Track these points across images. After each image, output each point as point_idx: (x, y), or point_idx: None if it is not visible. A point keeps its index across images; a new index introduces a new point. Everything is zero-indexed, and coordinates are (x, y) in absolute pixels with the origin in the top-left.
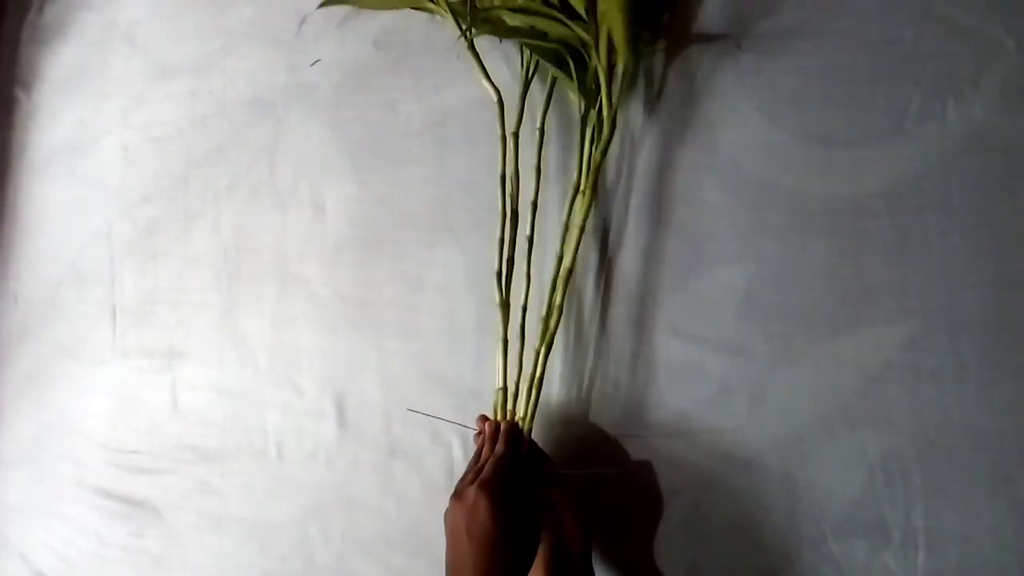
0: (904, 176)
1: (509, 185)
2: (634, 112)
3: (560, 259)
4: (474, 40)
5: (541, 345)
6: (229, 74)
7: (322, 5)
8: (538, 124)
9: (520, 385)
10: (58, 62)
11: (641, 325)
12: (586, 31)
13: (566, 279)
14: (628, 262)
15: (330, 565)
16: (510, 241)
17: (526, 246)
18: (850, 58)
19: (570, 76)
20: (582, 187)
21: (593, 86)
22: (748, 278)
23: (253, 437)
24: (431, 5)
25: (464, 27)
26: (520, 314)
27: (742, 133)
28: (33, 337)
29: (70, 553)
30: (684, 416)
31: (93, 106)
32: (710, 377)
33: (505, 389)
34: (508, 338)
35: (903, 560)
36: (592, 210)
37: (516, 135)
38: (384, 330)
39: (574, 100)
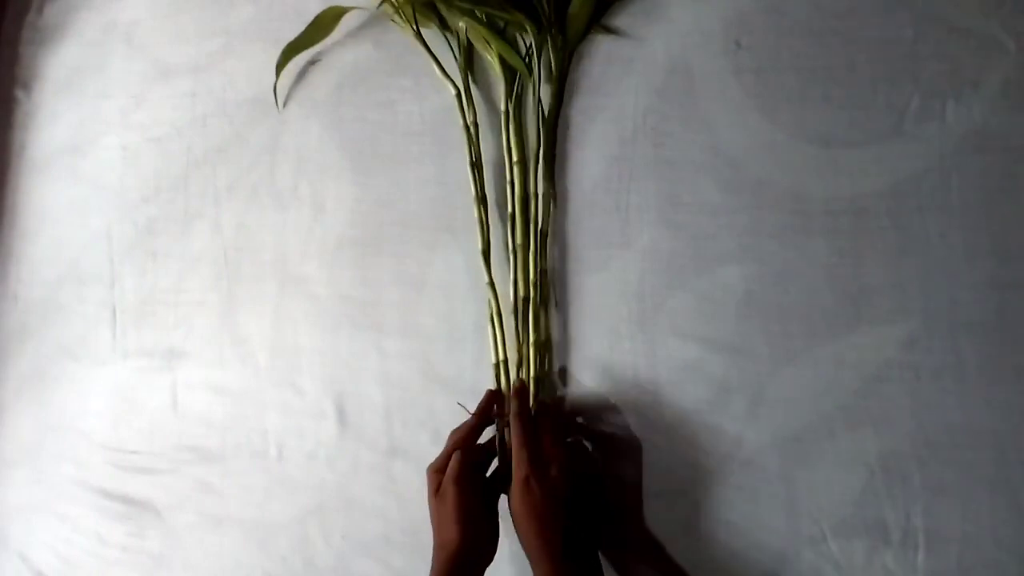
0: (904, 176)
1: (476, 172)
2: (632, 112)
3: (536, 225)
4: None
5: (539, 306)
6: (229, 74)
7: (281, 67)
8: (503, 107)
9: (524, 351)
10: (58, 62)
11: (641, 325)
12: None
13: (543, 243)
14: (628, 262)
15: (330, 565)
16: (485, 223)
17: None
18: (850, 58)
19: (521, 58)
20: (542, 155)
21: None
22: (748, 278)
23: (253, 437)
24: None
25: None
26: (512, 289)
27: (742, 133)
28: (33, 337)
29: (70, 553)
30: (684, 416)
31: (93, 106)
32: (710, 377)
33: (506, 361)
34: (502, 312)
35: (903, 560)
36: (554, 179)
37: (476, 124)
38: (384, 330)
39: (499, 74)
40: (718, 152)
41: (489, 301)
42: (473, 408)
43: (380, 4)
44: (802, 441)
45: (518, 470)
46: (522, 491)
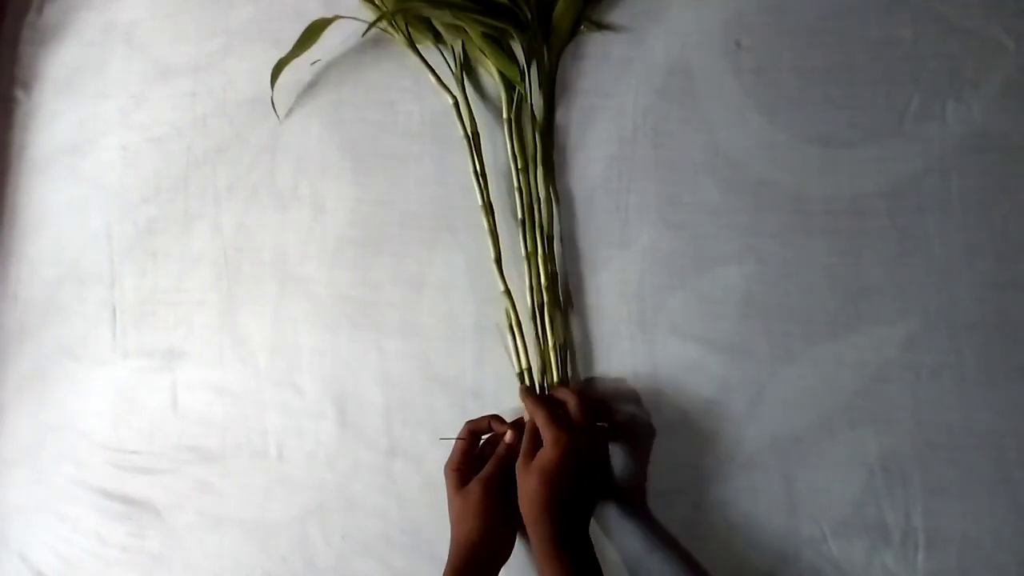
0: (904, 176)
1: (480, 180)
2: (632, 111)
3: (542, 230)
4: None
5: (554, 311)
6: (229, 74)
7: (274, 79)
8: (505, 115)
9: (546, 357)
10: (58, 62)
11: (641, 325)
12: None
13: (550, 248)
14: (628, 262)
15: (330, 565)
16: (495, 232)
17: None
18: (850, 58)
19: (513, 63)
20: (540, 160)
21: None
22: (748, 278)
23: (253, 437)
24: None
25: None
26: (529, 296)
27: (742, 133)
28: (33, 337)
29: (70, 553)
30: (684, 416)
31: (93, 106)
32: (710, 377)
33: (530, 369)
34: (521, 320)
35: (903, 560)
36: (555, 183)
37: (477, 133)
38: (384, 330)
39: (499, 81)
40: (718, 152)
41: (507, 310)
42: (453, 439)
43: (376, 20)
44: (802, 441)
45: (544, 449)
46: (531, 473)
